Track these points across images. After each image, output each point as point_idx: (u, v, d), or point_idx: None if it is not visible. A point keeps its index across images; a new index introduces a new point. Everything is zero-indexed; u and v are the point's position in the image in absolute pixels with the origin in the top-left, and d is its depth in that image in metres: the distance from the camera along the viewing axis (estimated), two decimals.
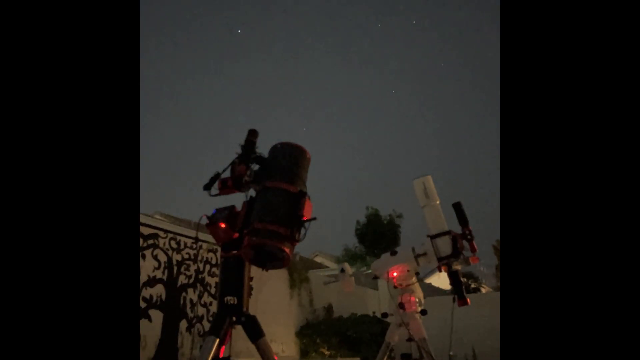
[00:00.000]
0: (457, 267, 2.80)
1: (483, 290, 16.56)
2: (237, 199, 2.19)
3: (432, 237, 2.85)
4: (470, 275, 16.11)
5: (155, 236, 5.82)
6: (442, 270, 2.81)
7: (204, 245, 6.43)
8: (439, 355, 2.94)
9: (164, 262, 5.87)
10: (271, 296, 7.42)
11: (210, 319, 6.30)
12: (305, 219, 1.99)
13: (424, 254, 2.94)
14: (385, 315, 3.21)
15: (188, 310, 6.05)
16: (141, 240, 5.61)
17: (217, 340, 1.97)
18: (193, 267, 6.27)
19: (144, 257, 5.64)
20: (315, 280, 9.04)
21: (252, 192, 2.15)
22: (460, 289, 2.78)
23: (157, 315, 5.61)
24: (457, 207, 2.87)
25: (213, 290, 6.51)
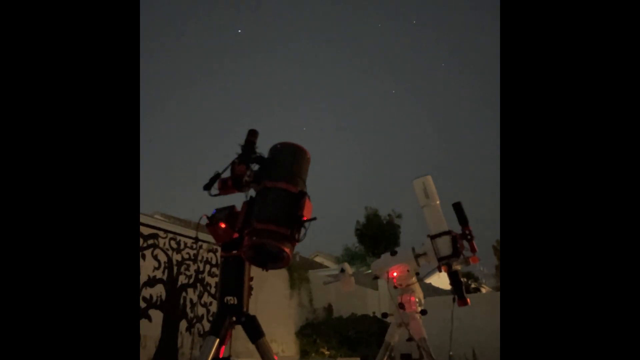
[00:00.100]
0: (457, 267, 2.80)
1: (483, 290, 16.57)
2: (237, 199, 2.19)
3: (432, 237, 2.85)
4: (470, 275, 16.12)
5: (155, 236, 5.82)
6: (442, 270, 2.81)
7: (204, 245, 6.43)
8: (439, 355, 2.94)
9: (164, 262, 5.87)
10: (271, 296, 7.43)
11: (210, 319, 6.30)
12: (305, 219, 1.99)
13: (424, 254, 2.94)
14: (385, 315, 3.21)
15: (188, 310, 6.05)
16: (141, 240, 5.61)
17: (217, 340, 1.97)
18: (193, 267, 6.27)
19: (144, 257, 5.63)
20: (315, 280, 9.04)
21: (252, 192, 2.15)
22: (460, 289, 2.78)
23: (157, 315, 5.61)
24: (457, 207, 2.87)
25: (213, 290, 6.51)
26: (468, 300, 2.75)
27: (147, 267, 5.63)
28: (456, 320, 2.92)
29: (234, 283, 2.08)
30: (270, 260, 2.01)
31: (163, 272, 5.82)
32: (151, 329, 5.49)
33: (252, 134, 2.25)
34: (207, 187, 2.19)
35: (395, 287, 3.09)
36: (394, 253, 3.12)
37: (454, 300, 2.76)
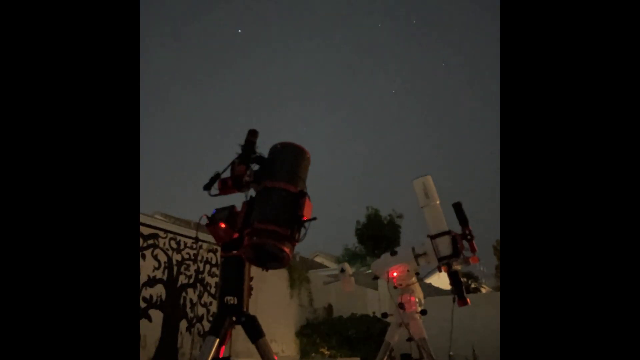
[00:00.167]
0: (457, 267, 2.80)
1: (483, 290, 16.57)
2: (237, 199, 2.19)
3: (432, 237, 2.85)
4: (470, 275, 16.13)
5: (155, 236, 5.82)
6: (442, 270, 2.81)
7: (204, 245, 6.43)
8: (439, 355, 2.94)
9: (164, 262, 5.87)
10: (271, 296, 7.42)
11: (210, 319, 6.30)
12: (305, 219, 1.99)
13: (424, 254, 2.94)
14: (385, 315, 3.21)
15: (188, 310, 6.05)
16: (141, 240, 5.61)
17: (217, 340, 1.97)
18: (193, 267, 6.27)
19: (144, 257, 5.64)
20: (315, 280, 9.04)
21: (252, 192, 2.15)
22: (460, 289, 2.78)
23: (157, 315, 5.61)
24: (457, 207, 2.87)
25: (213, 290, 6.51)
26: (468, 300, 2.75)
27: (147, 267, 5.63)
28: (456, 320, 2.92)
29: (234, 283, 2.08)
30: (270, 260, 2.01)
31: (163, 272, 5.82)
32: (151, 329, 5.49)
33: (252, 134, 2.25)
34: (207, 187, 2.19)
35: (395, 287, 3.09)
36: (394, 253, 3.12)
37: (454, 300, 2.76)
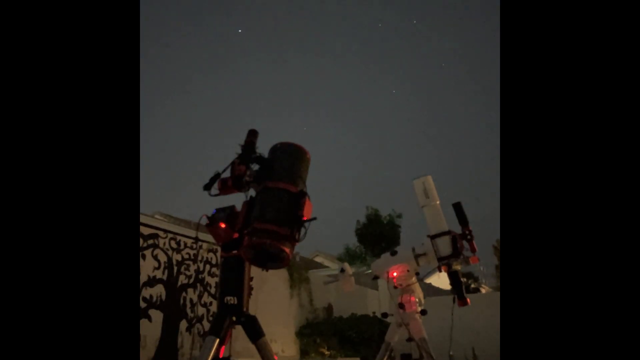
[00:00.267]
0: (457, 267, 2.80)
1: (483, 290, 16.57)
2: (237, 199, 2.19)
3: (432, 237, 2.85)
4: (470, 275, 16.14)
5: (155, 236, 5.82)
6: (442, 270, 2.81)
7: (204, 245, 6.43)
8: (439, 355, 2.94)
9: (164, 262, 5.87)
10: (271, 296, 7.42)
11: (210, 319, 6.30)
12: (305, 219, 1.99)
13: (424, 254, 2.94)
14: (385, 315, 3.21)
15: (188, 310, 6.05)
16: (141, 240, 5.61)
17: (217, 340, 1.97)
18: (193, 267, 6.27)
19: (144, 257, 5.64)
20: (315, 280, 9.04)
21: (252, 192, 2.15)
22: (460, 289, 2.78)
23: (157, 315, 5.61)
24: (457, 207, 2.87)
25: (213, 290, 6.51)
26: (468, 300, 2.76)
27: (147, 267, 5.63)
28: (456, 320, 2.92)
29: (234, 283, 2.08)
30: (270, 260, 2.01)
31: (163, 272, 5.82)
32: (151, 329, 5.49)
33: (252, 134, 2.25)
34: (207, 187, 2.19)
35: (395, 287, 3.08)
36: (394, 253, 3.12)
37: (454, 300, 2.76)
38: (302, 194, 2.03)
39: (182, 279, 6.06)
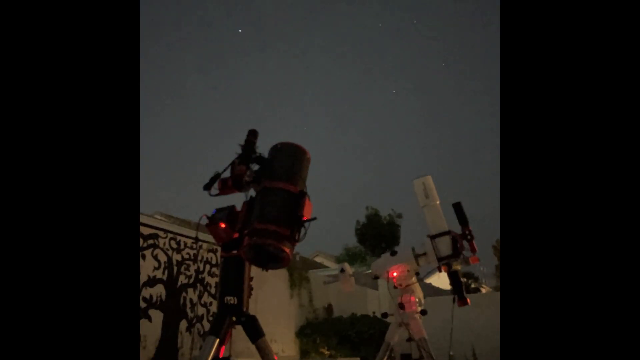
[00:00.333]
0: (457, 267, 2.80)
1: (483, 290, 16.57)
2: (237, 199, 2.19)
3: (432, 237, 2.85)
4: (470, 275, 16.13)
5: (155, 236, 5.82)
6: (442, 270, 2.81)
7: (204, 245, 6.43)
8: (439, 355, 2.94)
9: (164, 262, 5.87)
10: (271, 296, 7.42)
11: (210, 319, 6.30)
12: (305, 219, 1.99)
13: (424, 254, 2.94)
14: (385, 315, 3.21)
15: (188, 310, 6.05)
16: (141, 240, 5.61)
17: (217, 340, 1.97)
18: (193, 267, 6.27)
19: (144, 257, 5.63)
20: (315, 280, 9.04)
21: (252, 192, 2.15)
22: (460, 289, 2.78)
23: (157, 315, 5.61)
24: (457, 207, 2.87)
25: (213, 290, 6.51)
26: (468, 300, 2.76)
27: (147, 267, 5.63)
28: (456, 320, 2.92)
29: (234, 283, 2.08)
30: (270, 260, 2.01)
31: (163, 272, 5.82)
32: (151, 329, 5.49)
33: (252, 134, 2.25)
34: (207, 187, 2.19)
35: (395, 287, 3.09)
36: (394, 253, 3.12)
37: (454, 300, 2.76)
38: (302, 194, 2.03)
39: (182, 279, 6.06)
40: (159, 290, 5.70)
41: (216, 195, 2.20)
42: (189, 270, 6.19)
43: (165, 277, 5.82)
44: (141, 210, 5.55)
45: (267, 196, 2.03)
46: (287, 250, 1.93)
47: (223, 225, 2.11)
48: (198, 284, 6.27)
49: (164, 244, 5.92)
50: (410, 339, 2.96)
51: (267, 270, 2.10)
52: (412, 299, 3.02)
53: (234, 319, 2.04)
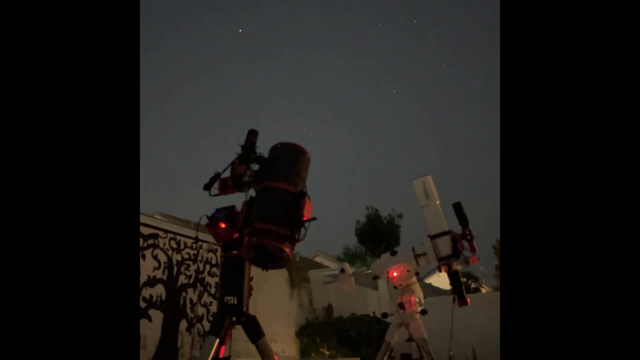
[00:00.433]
0: (457, 267, 2.80)
1: (483, 290, 16.56)
2: (237, 199, 2.19)
3: (432, 237, 2.86)
4: (470, 275, 16.12)
5: (155, 236, 5.82)
6: (442, 270, 2.82)
7: (204, 245, 6.43)
8: (439, 355, 2.94)
9: (164, 262, 5.87)
10: (271, 296, 7.42)
11: (210, 319, 6.30)
12: (305, 218, 1.99)
13: (424, 254, 2.94)
14: (385, 315, 3.22)
15: (188, 310, 6.05)
16: (141, 240, 5.61)
17: (217, 340, 1.97)
18: (193, 267, 6.27)
19: (144, 257, 5.64)
20: (315, 280, 9.04)
21: (252, 192, 2.16)
22: (460, 289, 2.78)
23: (157, 315, 5.61)
24: (457, 207, 2.87)
25: (213, 290, 6.51)
26: (468, 300, 2.76)
27: (147, 267, 5.64)
28: (456, 320, 2.92)
29: (234, 283, 2.08)
30: (270, 260, 2.01)
31: (163, 272, 5.82)
32: (151, 329, 5.49)
33: (252, 134, 2.25)
34: (207, 187, 2.19)
35: (395, 287, 3.09)
36: (394, 253, 3.13)
37: (454, 300, 2.77)
38: (302, 194, 2.03)
39: (182, 279, 6.06)
40: (159, 290, 5.71)
41: (216, 195, 2.20)
42: (189, 270, 6.19)
43: (165, 277, 5.83)
44: (141, 210, 5.55)
45: (267, 196, 2.03)
46: (287, 250, 1.93)
47: (223, 225, 2.11)
48: (198, 284, 6.28)
49: (164, 244, 5.92)
50: (410, 339, 2.96)
51: (267, 270, 2.10)
52: (412, 299, 3.02)
53: (234, 319, 2.04)
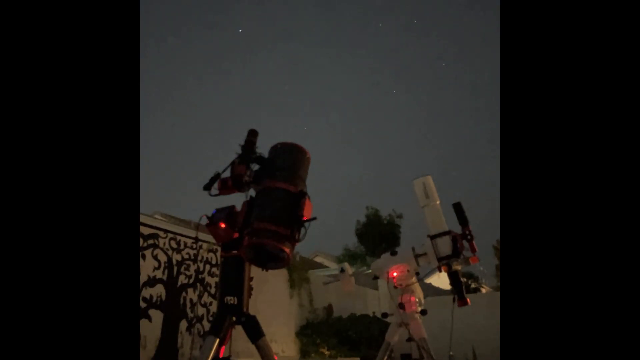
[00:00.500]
0: (457, 267, 2.80)
1: (483, 290, 16.56)
2: (237, 199, 2.19)
3: (432, 237, 2.86)
4: (470, 275, 16.11)
5: (155, 236, 5.82)
6: (442, 270, 2.82)
7: (204, 245, 6.43)
8: (439, 355, 2.94)
9: (164, 262, 5.87)
10: (271, 296, 7.42)
11: (210, 319, 6.30)
12: (305, 218, 1.99)
13: (424, 254, 2.94)
14: (385, 315, 3.22)
15: (188, 310, 6.05)
16: (141, 240, 5.61)
17: (217, 340, 1.97)
18: (193, 267, 6.27)
19: (144, 257, 5.64)
20: (315, 280, 9.04)
21: (252, 192, 2.16)
22: (460, 289, 2.78)
23: (157, 315, 5.61)
24: (457, 207, 2.87)
25: (213, 290, 6.51)
26: (468, 300, 2.76)
27: (147, 267, 5.63)
28: (456, 320, 2.92)
29: (234, 283, 2.08)
30: (270, 260, 2.01)
31: (163, 272, 5.82)
32: (151, 329, 5.49)
33: (252, 134, 2.25)
34: (207, 187, 2.19)
35: (395, 287, 3.09)
36: (394, 253, 3.13)
37: (454, 300, 2.77)
38: (302, 194, 2.03)
39: (182, 279, 6.06)
40: (159, 290, 5.70)
41: (216, 195, 2.20)
42: (189, 270, 6.19)
43: (165, 277, 5.82)
44: (141, 210, 5.55)
45: (267, 196, 2.03)
46: (287, 250, 1.93)
47: (223, 225, 2.11)
48: (198, 284, 6.28)
49: (164, 244, 5.92)
50: (410, 339, 2.96)
51: (267, 270, 2.10)
52: (412, 299, 3.02)
53: (234, 319, 2.04)
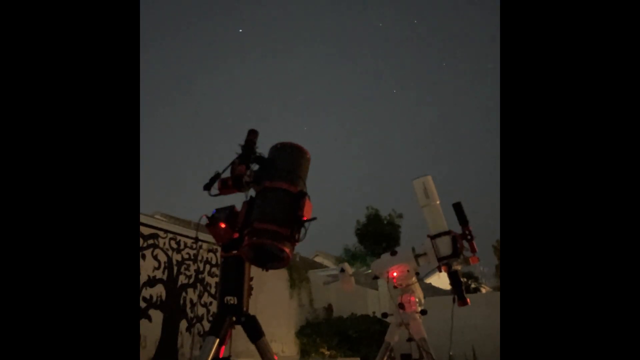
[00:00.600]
0: (457, 267, 2.80)
1: (483, 290, 16.56)
2: (237, 199, 2.19)
3: (432, 237, 2.85)
4: (470, 275, 16.12)
5: (155, 236, 5.82)
6: (442, 270, 2.81)
7: (204, 245, 6.43)
8: (439, 355, 2.94)
9: (164, 262, 5.87)
10: (271, 296, 7.42)
11: (210, 319, 6.30)
12: (305, 219, 1.99)
13: (424, 254, 2.94)
14: (385, 315, 3.21)
15: (188, 310, 6.05)
16: (141, 240, 5.61)
17: (217, 340, 1.97)
18: (193, 267, 6.27)
19: (144, 257, 5.63)
20: (315, 280, 9.04)
21: (252, 192, 2.15)
22: (460, 289, 2.78)
23: (157, 315, 5.61)
24: (457, 207, 2.87)
25: (213, 290, 6.51)
26: (468, 300, 2.75)
27: (147, 267, 5.63)
28: (456, 320, 2.92)
29: (234, 283, 2.08)
30: (270, 260, 2.01)
31: (163, 272, 5.82)
32: (151, 329, 5.49)
33: (252, 134, 2.25)
34: (207, 187, 2.19)
35: (395, 287, 3.08)
36: (394, 253, 3.12)
37: (454, 300, 2.76)
38: (302, 194, 2.03)
39: (182, 279, 6.06)
40: (159, 290, 5.70)
41: (216, 195, 2.19)
42: (189, 270, 6.19)
43: (165, 277, 5.82)
44: (141, 210, 5.55)
45: (267, 196, 2.03)
46: (287, 250, 1.93)
47: (223, 225, 2.11)
48: (198, 284, 6.28)
49: (164, 244, 5.92)
50: (410, 339, 2.96)
51: (267, 270, 2.10)
52: (412, 299, 3.01)
53: (234, 319, 2.04)
